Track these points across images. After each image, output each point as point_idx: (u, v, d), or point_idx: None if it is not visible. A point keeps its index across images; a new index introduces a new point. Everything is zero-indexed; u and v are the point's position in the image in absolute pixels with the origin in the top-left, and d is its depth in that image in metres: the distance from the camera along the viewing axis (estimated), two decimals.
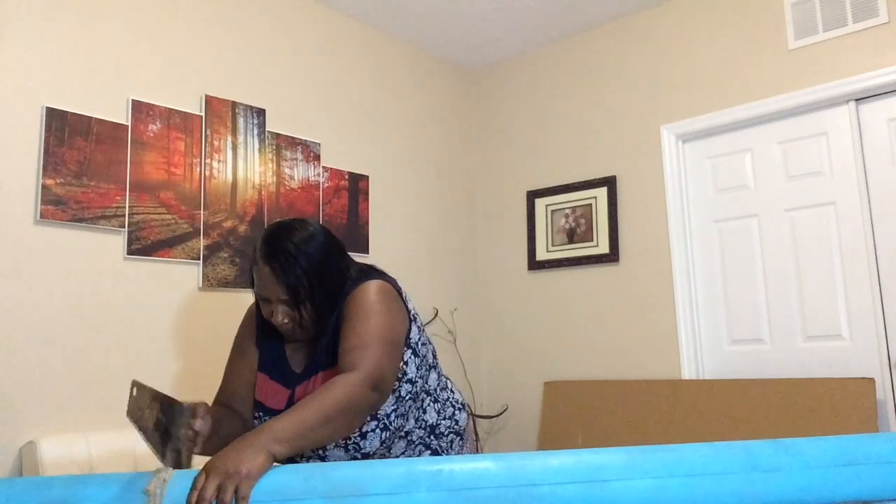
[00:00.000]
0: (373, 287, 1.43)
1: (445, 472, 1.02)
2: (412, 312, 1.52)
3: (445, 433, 1.54)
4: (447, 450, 1.54)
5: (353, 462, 1.07)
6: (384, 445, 1.42)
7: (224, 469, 1.02)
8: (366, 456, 1.40)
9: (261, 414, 1.46)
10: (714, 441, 1.18)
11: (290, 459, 1.31)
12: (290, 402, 1.44)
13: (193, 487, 1.01)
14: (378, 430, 1.39)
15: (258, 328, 1.54)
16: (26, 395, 2.20)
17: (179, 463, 1.06)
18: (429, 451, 1.51)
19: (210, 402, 1.36)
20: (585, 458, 1.06)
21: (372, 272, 1.51)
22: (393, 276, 1.56)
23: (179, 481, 1.04)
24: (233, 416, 1.46)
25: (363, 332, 1.36)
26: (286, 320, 1.40)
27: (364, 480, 1.01)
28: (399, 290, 1.51)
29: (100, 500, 1.03)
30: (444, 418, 1.55)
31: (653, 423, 3.04)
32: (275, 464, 1.10)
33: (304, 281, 1.37)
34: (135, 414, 1.12)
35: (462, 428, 1.60)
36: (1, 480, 1.11)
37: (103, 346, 2.39)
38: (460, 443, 1.59)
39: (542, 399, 3.52)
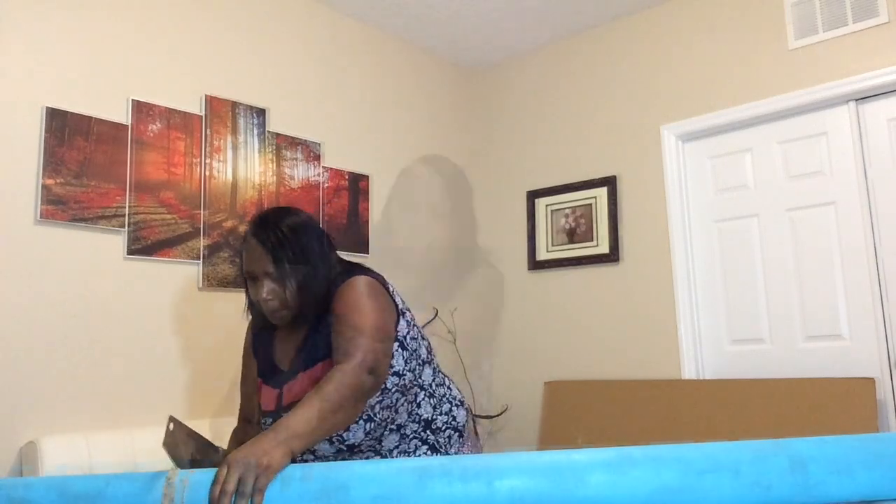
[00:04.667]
0: (360, 282, 1.48)
1: None
2: (400, 307, 1.55)
3: (443, 428, 1.55)
4: (445, 446, 1.55)
5: (367, 500, 1.04)
6: (370, 437, 1.44)
7: (245, 461, 1.06)
8: (350, 448, 1.42)
9: (265, 420, 1.52)
10: (714, 442, 1.18)
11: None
12: (280, 401, 1.48)
13: (215, 481, 1.05)
14: (362, 422, 1.41)
15: (254, 340, 1.62)
16: (27, 395, 2.20)
17: None
18: (426, 447, 1.52)
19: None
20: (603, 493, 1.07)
21: (357, 268, 1.55)
22: (384, 273, 1.60)
23: (200, 478, 1.07)
24: (252, 432, 1.56)
25: (355, 324, 1.40)
26: (271, 297, 1.45)
27: None
28: (386, 286, 1.54)
29: (119, 496, 1.07)
30: (441, 413, 1.56)
31: (653, 424, 3.04)
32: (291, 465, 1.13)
33: (289, 252, 1.44)
34: (170, 446, 1.18)
35: (460, 424, 1.60)
36: (19, 480, 1.13)
37: (103, 346, 2.39)
38: (460, 440, 1.59)
39: (542, 399, 3.52)
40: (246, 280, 1.51)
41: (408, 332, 1.52)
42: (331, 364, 1.41)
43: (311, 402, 1.22)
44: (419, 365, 1.54)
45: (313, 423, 1.19)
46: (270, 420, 1.49)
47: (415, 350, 1.53)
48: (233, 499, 1.03)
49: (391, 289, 1.56)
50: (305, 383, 1.45)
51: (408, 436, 1.50)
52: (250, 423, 1.62)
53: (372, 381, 1.35)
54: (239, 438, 1.59)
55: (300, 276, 1.45)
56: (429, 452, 1.52)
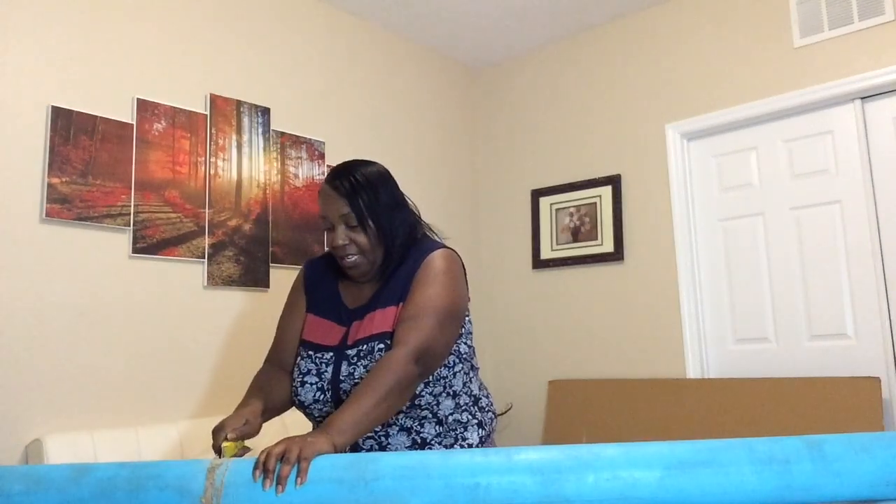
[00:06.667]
0: (443, 255, 1.50)
1: (483, 486, 1.07)
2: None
3: (486, 409, 1.59)
4: (489, 425, 1.58)
5: (395, 470, 1.11)
6: (435, 399, 1.46)
7: (290, 440, 1.14)
8: (416, 406, 1.44)
9: (311, 353, 1.49)
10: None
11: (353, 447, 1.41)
12: (345, 338, 1.48)
13: (262, 451, 1.12)
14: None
15: (306, 279, 1.62)
16: (32, 392, 2.20)
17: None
18: (475, 421, 1.54)
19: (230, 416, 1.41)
20: (621, 474, 1.08)
21: (434, 243, 1.56)
22: None
23: (240, 465, 1.12)
24: (282, 379, 1.53)
25: (421, 302, 1.43)
26: (347, 242, 1.46)
27: (405, 493, 1.07)
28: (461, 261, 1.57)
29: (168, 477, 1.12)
30: (484, 396, 1.61)
31: (657, 423, 3.03)
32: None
33: (364, 196, 1.45)
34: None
35: (495, 410, 1.65)
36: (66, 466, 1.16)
37: (108, 345, 2.39)
38: (492, 426, 1.62)
39: (546, 398, 3.52)
40: (324, 229, 1.53)
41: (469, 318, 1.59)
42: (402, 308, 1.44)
43: (357, 398, 1.26)
44: (473, 350, 1.61)
45: (356, 419, 1.24)
46: (331, 355, 1.47)
47: (470, 333, 1.62)
48: (277, 467, 1.09)
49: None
50: (376, 322, 1.47)
51: (460, 406, 1.52)
52: (279, 370, 1.55)
53: (419, 371, 1.37)
54: (262, 382, 1.52)
55: (377, 222, 1.46)
56: (476, 427, 1.54)
